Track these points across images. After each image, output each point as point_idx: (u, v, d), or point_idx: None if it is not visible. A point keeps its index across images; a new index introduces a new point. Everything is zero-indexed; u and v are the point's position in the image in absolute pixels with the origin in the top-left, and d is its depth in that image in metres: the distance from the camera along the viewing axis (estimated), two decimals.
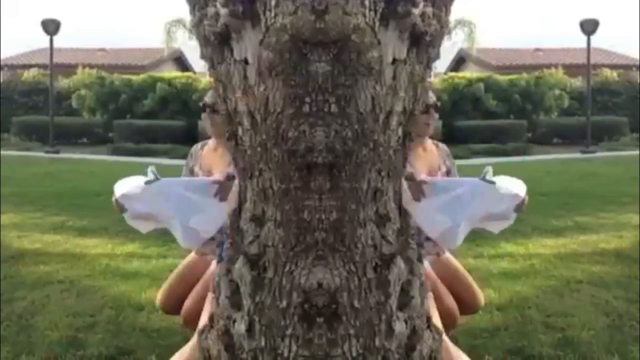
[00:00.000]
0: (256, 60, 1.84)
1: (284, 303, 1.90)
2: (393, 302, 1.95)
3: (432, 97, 2.87)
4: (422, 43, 1.94)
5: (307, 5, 1.76)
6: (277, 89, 1.83)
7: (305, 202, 1.88)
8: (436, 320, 2.52)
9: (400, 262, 1.97)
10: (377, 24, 1.83)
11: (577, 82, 23.68)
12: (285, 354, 1.89)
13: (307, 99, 1.82)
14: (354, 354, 1.89)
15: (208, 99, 2.95)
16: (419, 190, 2.18)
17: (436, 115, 2.89)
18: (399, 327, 1.95)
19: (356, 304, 1.90)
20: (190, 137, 20.59)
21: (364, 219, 1.92)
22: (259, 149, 1.91)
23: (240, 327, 1.95)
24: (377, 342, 1.91)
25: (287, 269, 1.91)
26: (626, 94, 24.79)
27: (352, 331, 1.89)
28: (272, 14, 1.80)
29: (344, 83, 1.82)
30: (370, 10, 1.81)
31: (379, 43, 1.84)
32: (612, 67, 26.51)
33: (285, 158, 1.87)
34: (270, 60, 1.81)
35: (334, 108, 1.83)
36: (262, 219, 1.95)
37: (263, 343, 1.91)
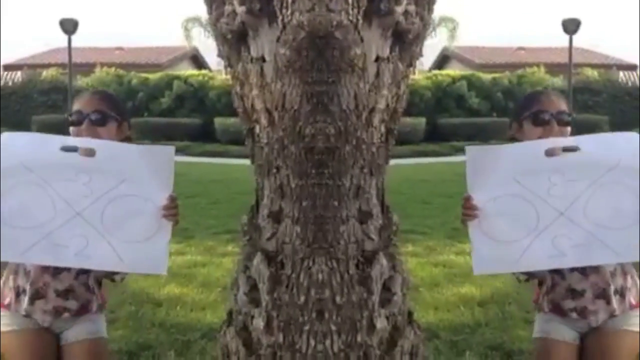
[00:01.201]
0: (273, 57, 1.82)
1: (302, 299, 1.87)
2: (375, 298, 1.91)
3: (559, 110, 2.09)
4: (405, 41, 1.92)
5: (324, 2, 1.74)
6: (294, 86, 1.81)
7: (319, 198, 1.86)
8: None
9: (382, 259, 1.94)
10: (361, 21, 1.81)
11: (559, 81, 23.82)
12: (304, 350, 1.86)
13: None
14: (336, 350, 1.86)
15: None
16: None
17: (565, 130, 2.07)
18: (381, 323, 1.91)
19: (338, 300, 1.87)
20: (207, 134, 20.59)
21: (347, 215, 1.89)
22: (276, 145, 1.88)
23: (259, 323, 1.92)
24: (358, 338, 1.88)
25: (304, 265, 1.88)
26: (607, 93, 24.97)
27: (334, 327, 1.87)
28: (289, 11, 1.77)
29: (327, 80, 1.82)
30: (353, 7, 1.78)
31: (362, 40, 1.81)
32: (593, 66, 26.70)
33: (302, 155, 1.84)
34: (287, 58, 1.79)
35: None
36: (279, 216, 1.91)
37: (281, 339, 1.88)
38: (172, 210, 1.98)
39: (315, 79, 1.79)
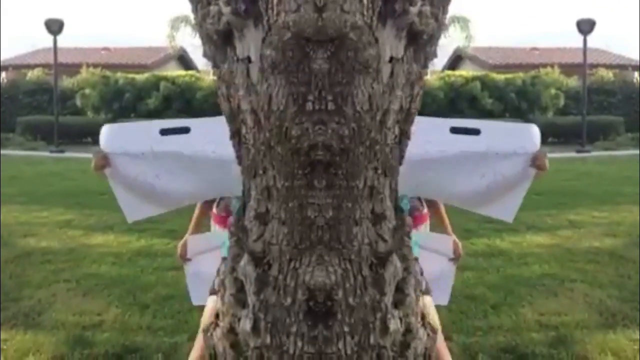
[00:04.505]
0: (259, 58, 1.83)
1: (289, 300, 1.89)
2: (388, 300, 1.94)
3: None
4: (420, 42, 1.93)
5: (309, 3, 1.75)
6: (280, 87, 1.82)
7: (309, 199, 1.87)
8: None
9: (395, 260, 1.96)
10: (375, 22, 1.82)
11: (573, 82, 23.71)
12: (291, 351, 1.88)
13: (310, 97, 1.81)
14: (349, 352, 1.88)
15: None
16: None
17: None
18: (394, 324, 1.94)
19: (351, 301, 1.89)
20: None
21: (360, 217, 1.91)
22: (262, 147, 1.90)
23: (246, 324, 1.94)
24: (371, 340, 1.90)
25: (291, 266, 1.90)
26: (621, 94, 24.82)
27: (347, 328, 1.88)
28: (275, 12, 1.79)
29: (341, 81, 1.82)
30: (368, 8, 1.80)
31: (377, 41, 1.82)
32: (608, 66, 26.52)
33: (288, 156, 1.86)
34: (273, 58, 1.80)
35: (331, 106, 1.82)
36: (266, 217, 1.93)
37: (268, 340, 1.90)
38: None
39: (301, 80, 1.79)
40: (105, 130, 2.38)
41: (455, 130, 2.27)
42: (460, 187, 2.37)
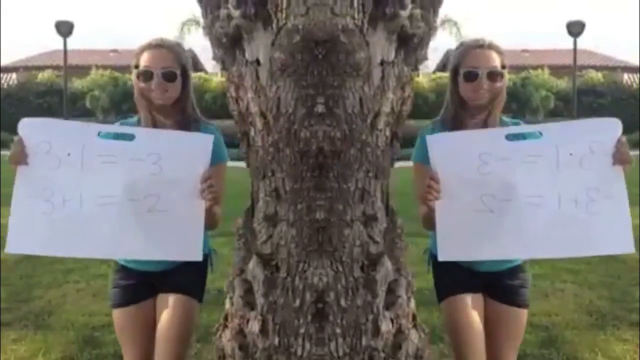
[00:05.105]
0: (268, 61, 1.84)
1: (297, 302, 1.89)
2: (380, 301, 1.94)
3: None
4: (410, 45, 1.94)
5: (318, 6, 1.76)
6: (289, 90, 1.82)
7: (318, 202, 1.87)
8: None
9: (387, 262, 1.97)
10: (366, 25, 1.83)
11: (563, 83, 23.83)
12: (299, 353, 1.87)
13: (319, 100, 1.82)
14: (341, 353, 1.88)
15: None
16: None
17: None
18: (385, 326, 1.93)
19: (343, 303, 1.89)
20: None
21: (351, 219, 1.91)
22: (271, 149, 1.90)
23: (254, 326, 1.93)
24: (363, 342, 1.90)
25: (299, 268, 1.89)
26: (611, 95, 24.97)
27: (338, 330, 1.88)
28: (284, 15, 1.80)
29: (332, 84, 1.82)
30: (359, 11, 1.80)
31: (368, 44, 1.84)
32: (597, 68, 26.67)
33: (297, 158, 1.86)
34: (282, 61, 1.81)
35: (322, 108, 1.82)
36: (275, 219, 1.93)
37: (277, 342, 1.90)
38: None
39: (310, 83, 1.80)
40: (27, 122, 2.03)
41: (512, 137, 1.98)
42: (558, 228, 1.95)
